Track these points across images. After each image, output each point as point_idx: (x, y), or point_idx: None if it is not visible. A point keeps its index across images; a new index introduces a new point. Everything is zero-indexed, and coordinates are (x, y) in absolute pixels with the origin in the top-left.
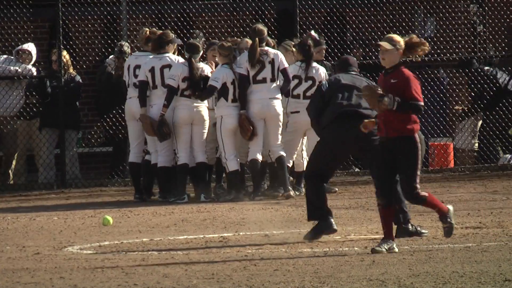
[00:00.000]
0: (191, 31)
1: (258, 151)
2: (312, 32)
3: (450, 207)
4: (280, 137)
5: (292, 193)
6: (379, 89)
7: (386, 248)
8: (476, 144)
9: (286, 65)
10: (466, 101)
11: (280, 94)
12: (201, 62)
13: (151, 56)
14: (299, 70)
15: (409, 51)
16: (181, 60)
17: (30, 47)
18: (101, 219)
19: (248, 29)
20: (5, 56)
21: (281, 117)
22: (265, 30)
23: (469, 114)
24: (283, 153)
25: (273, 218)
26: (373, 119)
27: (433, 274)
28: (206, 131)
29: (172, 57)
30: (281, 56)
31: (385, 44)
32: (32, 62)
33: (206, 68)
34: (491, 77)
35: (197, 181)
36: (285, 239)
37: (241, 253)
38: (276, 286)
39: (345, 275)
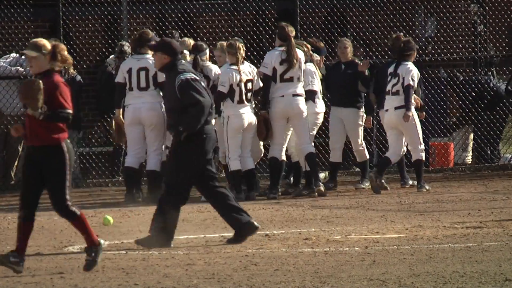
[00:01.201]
0: (167, 31)
1: (278, 150)
2: (401, 35)
3: (103, 242)
4: (309, 134)
5: (322, 189)
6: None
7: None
8: (469, 157)
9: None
10: (457, 113)
11: (304, 92)
12: (208, 62)
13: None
14: (392, 67)
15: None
16: None
17: None
18: (102, 219)
19: (248, 28)
20: (15, 55)
21: (305, 114)
22: (293, 29)
23: (460, 125)
24: (312, 149)
25: (273, 217)
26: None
27: (433, 274)
28: None
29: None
30: (304, 59)
31: (29, 52)
32: None
33: (214, 68)
34: (476, 82)
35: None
36: (286, 239)
37: (241, 253)
38: (276, 286)
39: (345, 275)
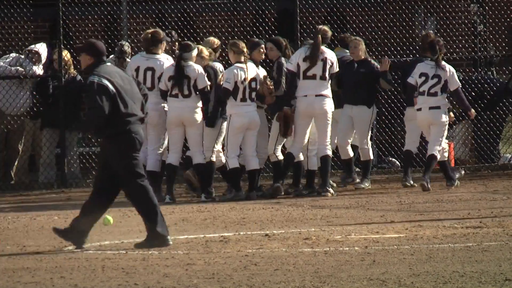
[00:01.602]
0: (166, 31)
1: (297, 148)
2: (431, 33)
3: None
4: (329, 135)
5: (329, 194)
6: None
7: None
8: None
9: (336, 70)
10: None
11: (329, 92)
12: (190, 62)
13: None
14: (428, 67)
15: None
16: (170, 58)
17: (40, 47)
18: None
19: (248, 28)
20: (15, 54)
21: (329, 115)
22: (329, 32)
23: (457, 120)
24: (329, 152)
25: (273, 217)
26: None
27: (433, 273)
28: (200, 131)
29: (162, 57)
30: (335, 60)
31: None
32: (42, 63)
33: (197, 68)
34: (476, 82)
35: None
36: (286, 239)
37: (241, 252)
38: (276, 285)
39: (345, 275)
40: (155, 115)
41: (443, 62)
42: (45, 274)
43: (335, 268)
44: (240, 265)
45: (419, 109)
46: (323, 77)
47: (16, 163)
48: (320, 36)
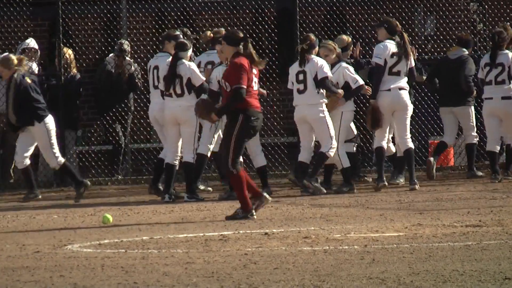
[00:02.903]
0: (179, 28)
1: (382, 140)
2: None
3: None
4: (408, 129)
5: (417, 186)
6: None
7: None
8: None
9: (413, 64)
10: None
11: (407, 85)
12: (184, 61)
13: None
14: (489, 58)
15: None
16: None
17: (33, 43)
18: (101, 217)
19: (248, 27)
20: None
21: (410, 108)
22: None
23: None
24: (411, 145)
25: (273, 216)
26: None
27: (433, 272)
28: (192, 130)
29: (168, 56)
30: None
31: None
32: (37, 60)
33: (189, 65)
34: (476, 81)
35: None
36: (285, 237)
37: (241, 251)
38: (276, 284)
39: (345, 273)
40: (162, 115)
41: (506, 51)
42: (44, 273)
43: (334, 267)
44: (239, 263)
45: (489, 98)
46: (405, 73)
47: (14, 162)
48: (407, 34)
